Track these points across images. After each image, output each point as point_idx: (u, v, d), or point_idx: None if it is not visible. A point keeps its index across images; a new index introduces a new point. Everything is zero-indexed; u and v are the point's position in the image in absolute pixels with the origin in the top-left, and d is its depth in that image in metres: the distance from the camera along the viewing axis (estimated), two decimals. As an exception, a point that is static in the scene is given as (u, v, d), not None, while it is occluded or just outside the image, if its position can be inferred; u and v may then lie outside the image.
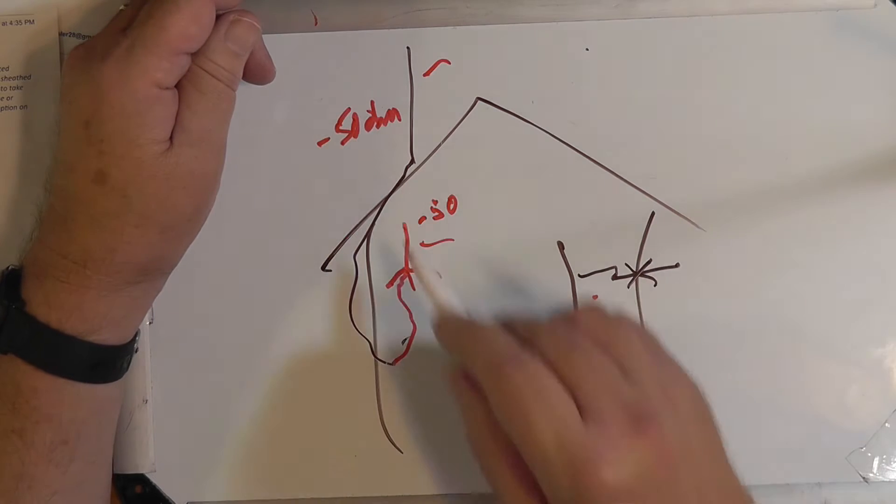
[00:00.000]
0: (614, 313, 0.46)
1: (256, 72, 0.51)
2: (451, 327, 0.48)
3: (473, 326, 0.47)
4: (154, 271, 0.49)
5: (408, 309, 0.54)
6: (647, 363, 0.44)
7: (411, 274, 0.54)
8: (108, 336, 0.47)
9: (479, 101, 0.54)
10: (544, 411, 0.41)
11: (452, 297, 0.49)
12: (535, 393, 0.41)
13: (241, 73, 0.49)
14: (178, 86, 0.46)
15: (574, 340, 0.44)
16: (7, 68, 0.53)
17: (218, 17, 0.47)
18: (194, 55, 0.47)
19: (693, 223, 0.53)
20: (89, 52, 0.46)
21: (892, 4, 0.52)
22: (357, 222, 0.54)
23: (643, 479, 0.40)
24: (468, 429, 0.46)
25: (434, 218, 0.54)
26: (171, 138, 0.46)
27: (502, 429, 0.42)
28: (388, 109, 0.54)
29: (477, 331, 0.46)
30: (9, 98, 0.53)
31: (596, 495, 0.40)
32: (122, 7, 0.50)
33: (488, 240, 0.54)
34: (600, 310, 0.46)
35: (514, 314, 0.49)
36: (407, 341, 0.54)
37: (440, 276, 0.50)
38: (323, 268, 0.54)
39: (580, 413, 0.41)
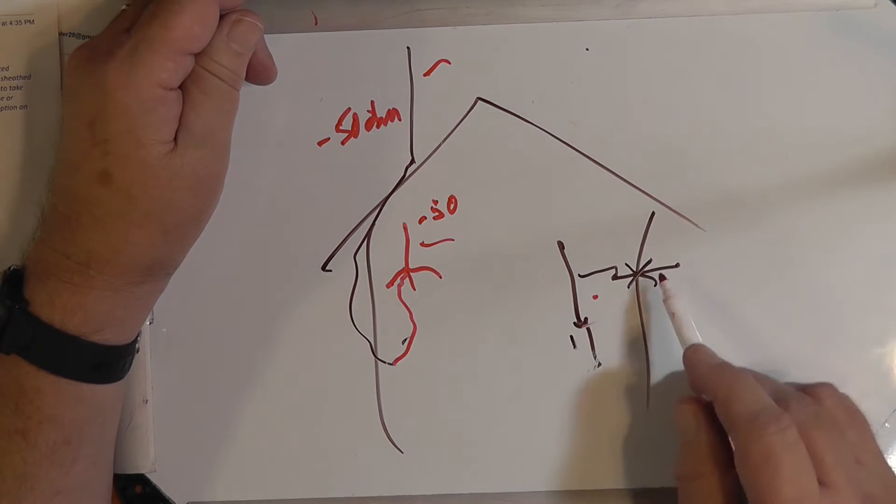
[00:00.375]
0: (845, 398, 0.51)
1: (258, 72, 0.51)
2: (708, 363, 0.50)
3: (733, 371, 0.49)
4: (158, 272, 0.49)
5: (408, 309, 0.54)
6: (879, 459, 0.48)
7: (411, 273, 0.54)
8: (111, 336, 0.47)
9: (479, 101, 0.54)
10: (792, 475, 0.43)
11: (696, 330, 0.51)
12: (788, 457, 0.44)
13: (245, 74, 0.49)
14: (181, 87, 0.46)
15: (822, 414, 0.47)
16: (7, 68, 0.53)
17: (220, 17, 0.47)
18: (198, 56, 0.46)
19: (693, 223, 0.53)
20: (93, 52, 0.46)
21: (891, 4, 0.52)
22: (357, 222, 0.54)
23: None
24: (684, 453, 0.48)
25: (434, 218, 0.54)
26: (175, 139, 0.46)
27: (720, 466, 0.47)
28: (389, 109, 0.54)
29: (738, 377, 0.48)
30: (9, 98, 0.53)
31: None
32: (123, 7, 0.50)
33: (488, 240, 0.54)
34: (838, 392, 0.50)
35: (754, 372, 0.51)
36: (407, 341, 0.54)
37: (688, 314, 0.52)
38: (323, 268, 0.54)
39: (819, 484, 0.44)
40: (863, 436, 0.48)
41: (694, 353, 0.50)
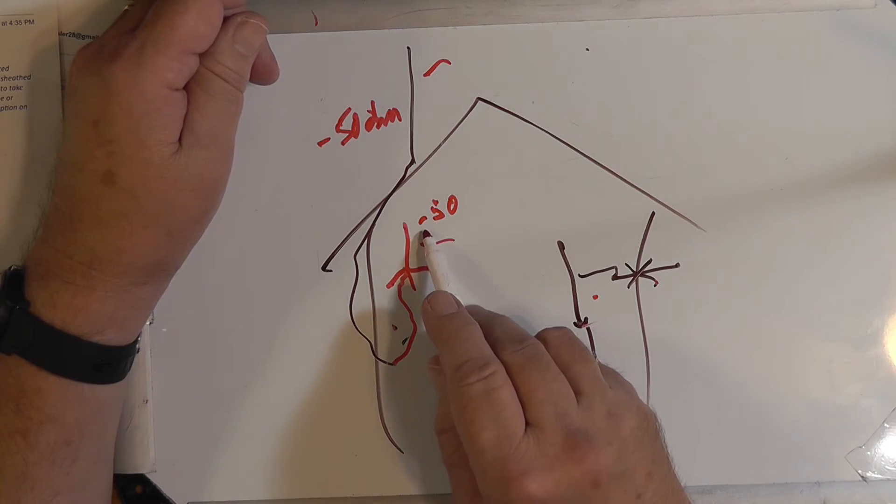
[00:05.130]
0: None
1: (261, 72, 0.52)
2: (435, 314, 0.50)
3: (457, 322, 0.49)
4: (159, 272, 0.49)
5: (408, 309, 0.54)
6: (601, 388, 0.47)
7: (412, 274, 0.54)
8: (112, 337, 0.47)
9: (479, 101, 0.54)
10: (490, 418, 0.44)
11: (450, 284, 0.51)
12: (487, 400, 0.44)
13: (249, 75, 0.49)
14: (186, 88, 0.46)
15: (536, 354, 0.46)
16: (7, 68, 0.53)
17: (224, 19, 0.47)
18: (202, 57, 0.47)
19: (693, 223, 0.53)
20: (98, 53, 0.46)
21: (892, 4, 0.52)
22: (357, 222, 0.54)
23: (570, 497, 0.43)
24: (437, 417, 0.50)
25: (434, 218, 0.54)
26: (179, 140, 0.46)
27: None
28: (389, 109, 0.54)
29: (456, 329, 0.48)
30: (9, 98, 0.53)
31: None
32: (126, 7, 0.50)
33: (488, 240, 0.54)
34: (568, 332, 0.49)
35: (495, 314, 0.51)
36: (407, 341, 0.54)
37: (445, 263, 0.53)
38: (323, 268, 0.54)
39: (527, 425, 0.44)
40: (586, 369, 0.47)
41: (428, 302, 0.50)
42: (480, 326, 0.49)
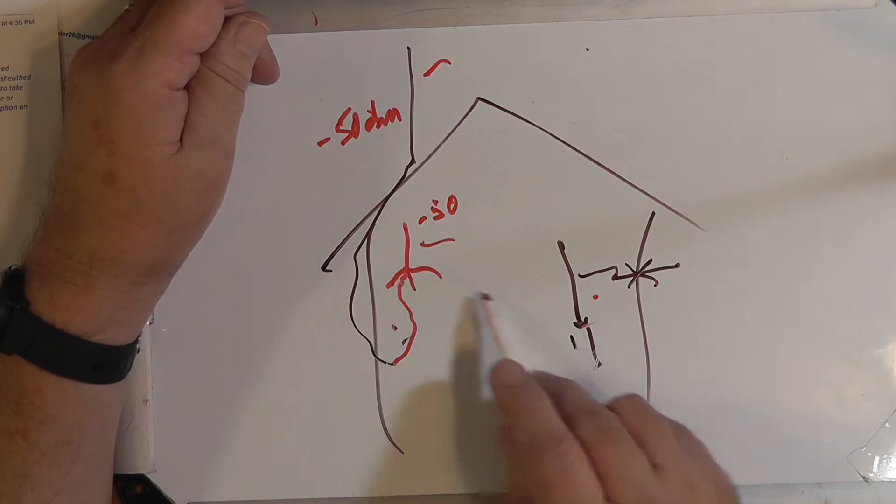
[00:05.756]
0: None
1: (262, 72, 0.52)
2: (507, 384, 0.49)
3: (525, 395, 0.48)
4: (160, 272, 0.49)
5: (408, 309, 0.54)
6: (677, 459, 0.46)
7: (412, 274, 0.54)
8: (113, 337, 0.47)
9: (479, 101, 0.54)
10: (570, 497, 0.43)
11: (514, 348, 0.51)
12: (565, 479, 0.44)
13: (250, 75, 0.49)
14: (187, 88, 0.46)
15: (611, 428, 0.46)
16: (7, 68, 0.53)
17: (225, 19, 0.47)
18: (204, 57, 0.47)
19: (693, 223, 0.53)
20: (98, 52, 0.46)
21: (892, 4, 0.52)
22: (357, 222, 0.54)
23: None
24: (509, 488, 0.49)
25: (434, 218, 0.54)
26: (180, 140, 0.46)
27: None
28: (389, 109, 0.54)
29: (526, 400, 0.48)
30: (9, 98, 0.53)
31: None
32: (127, 7, 0.50)
33: (488, 240, 0.54)
34: (640, 400, 0.49)
35: (564, 382, 0.50)
36: (407, 341, 0.54)
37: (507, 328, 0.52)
38: (323, 268, 0.54)
39: (606, 502, 0.44)
40: (661, 440, 0.46)
41: (494, 373, 0.50)
42: (550, 395, 0.48)
